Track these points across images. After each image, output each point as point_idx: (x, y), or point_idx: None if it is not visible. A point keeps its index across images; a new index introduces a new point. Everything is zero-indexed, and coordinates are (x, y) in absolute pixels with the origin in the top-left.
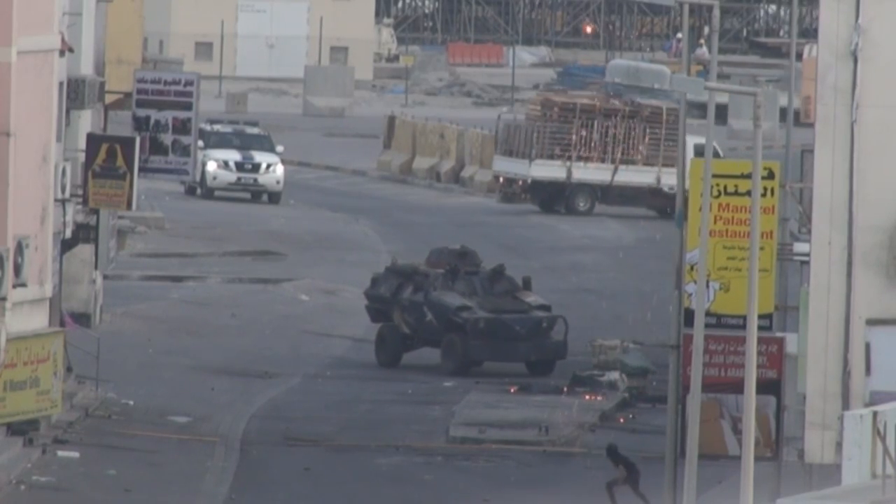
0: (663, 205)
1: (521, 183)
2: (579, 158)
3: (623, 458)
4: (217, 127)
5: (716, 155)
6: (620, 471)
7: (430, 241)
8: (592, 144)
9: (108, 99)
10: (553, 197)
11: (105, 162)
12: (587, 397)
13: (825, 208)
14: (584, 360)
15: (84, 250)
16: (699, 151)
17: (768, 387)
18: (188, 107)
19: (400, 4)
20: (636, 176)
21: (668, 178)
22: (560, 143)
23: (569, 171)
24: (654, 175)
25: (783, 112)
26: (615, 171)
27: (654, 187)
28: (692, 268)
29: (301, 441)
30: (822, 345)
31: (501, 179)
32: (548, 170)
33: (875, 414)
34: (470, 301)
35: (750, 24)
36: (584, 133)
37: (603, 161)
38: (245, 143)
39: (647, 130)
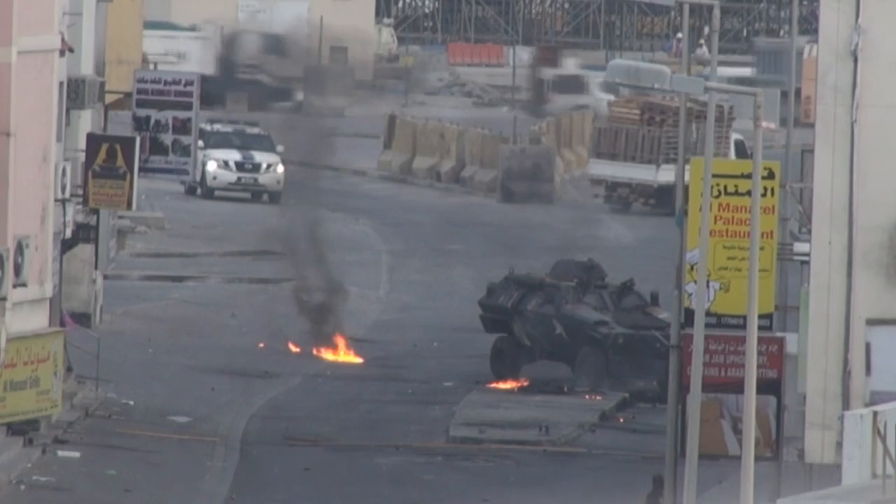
0: None
1: (632, 187)
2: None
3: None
4: (217, 127)
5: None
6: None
7: (431, 241)
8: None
9: (108, 99)
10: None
11: (105, 162)
12: (587, 397)
13: (825, 208)
14: None
15: (84, 250)
16: (739, 148)
17: (768, 387)
18: (188, 107)
19: (400, 4)
20: None
21: None
22: (674, 147)
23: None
24: None
25: None
26: None
27: None
28: (692, 268)
29: (301, 441)
30: (822, 345)
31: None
32: (670, 174)
33: (875, 414)
34: (604, 316)
35: (750, 24)
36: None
37: None
38: (245, 142)
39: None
